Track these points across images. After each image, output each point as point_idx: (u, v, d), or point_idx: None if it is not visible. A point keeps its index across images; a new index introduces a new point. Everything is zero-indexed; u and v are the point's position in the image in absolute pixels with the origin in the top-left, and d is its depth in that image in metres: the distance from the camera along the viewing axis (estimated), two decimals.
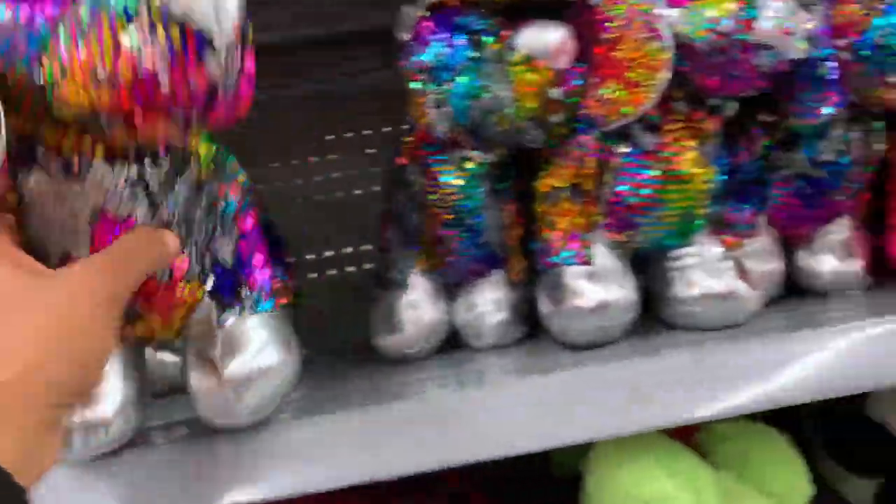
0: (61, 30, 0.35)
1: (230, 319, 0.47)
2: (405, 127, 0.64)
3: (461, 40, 0.58)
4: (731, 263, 0.58)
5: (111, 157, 0.40)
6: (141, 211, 0.42)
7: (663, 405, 0.50)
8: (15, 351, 0.32)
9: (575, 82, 0.54)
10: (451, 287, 0.68)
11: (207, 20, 0.34)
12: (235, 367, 0.46)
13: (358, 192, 0.89)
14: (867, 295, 0.64)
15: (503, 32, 0.57)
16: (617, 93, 0.52)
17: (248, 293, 0.48)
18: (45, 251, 0.41)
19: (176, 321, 0.46)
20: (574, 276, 0.57)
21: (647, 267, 0.62)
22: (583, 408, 0.50)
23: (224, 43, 0.35)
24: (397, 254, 0.66)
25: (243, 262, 0.48)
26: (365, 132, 0.90)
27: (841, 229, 0.64)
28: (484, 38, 0.58)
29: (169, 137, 0.39)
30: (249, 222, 0.48)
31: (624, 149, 0.55)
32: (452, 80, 0.58)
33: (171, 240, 0.41)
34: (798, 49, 0.49)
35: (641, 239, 0.58)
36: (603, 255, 0.57)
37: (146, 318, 0.45)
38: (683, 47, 0.52)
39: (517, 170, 0.63)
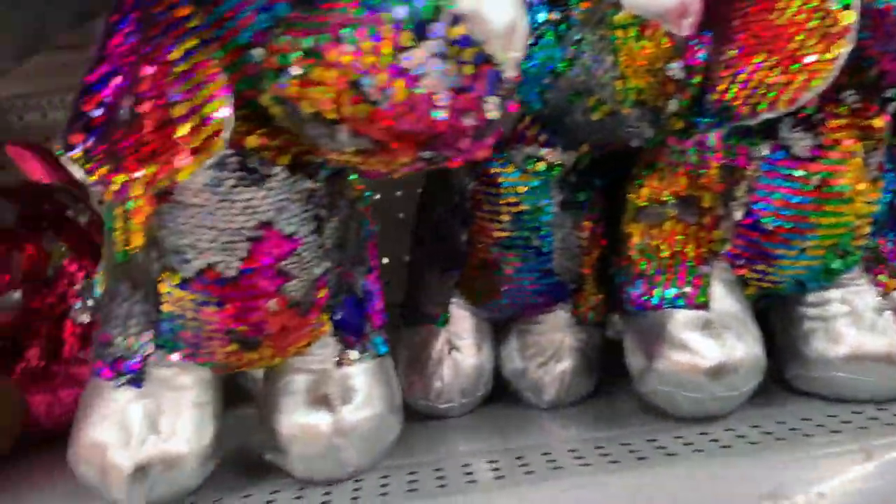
0: (308, 13, 0.29)
1: (352, 360, 0.40)
2: None
3: None
4: (891, 315, 0.42)
5: (293, 165, 0.34)
6: (306, 229, 0.36)
7: None
8: None
9: (699, 56, 0.39)
10: (498, 324, 0.52)
11: (504, 51, 0.29)
12: (350, 414, 0.39)
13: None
14: None
15: None
16: (772, 72, 0.36)
17: (372, 332, 0.42)
18: (181, 260, 0.35)
19: (289, 353, 0.39)
20: (683, 325, 0.41)
21: (772, 310, 0.46)
22: None
23: (511, 78, 0.30)
24: (433, 279, 0.51)
25: (370, 295, 0.42)
26: None
27: None
28: None
29: (398, 170, 0.31)
30: (375, 251, 0.42)
31: (765, 152, 0.40)
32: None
33: None
34: None
35: (776, 276, 0.42)
36: (723, 298, 0.42)
37: (259, 348, 0.38)
38: (865, 13, 0.36)
39: (600, 174, 0.48)
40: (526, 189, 0.45)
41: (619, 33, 0.39)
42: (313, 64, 0.29)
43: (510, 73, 0.29)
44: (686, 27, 0.38)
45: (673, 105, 0.40)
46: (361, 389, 0.40)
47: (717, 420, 0.42)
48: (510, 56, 0.29)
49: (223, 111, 0.30)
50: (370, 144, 0.30)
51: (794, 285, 0.43)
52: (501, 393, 0.52)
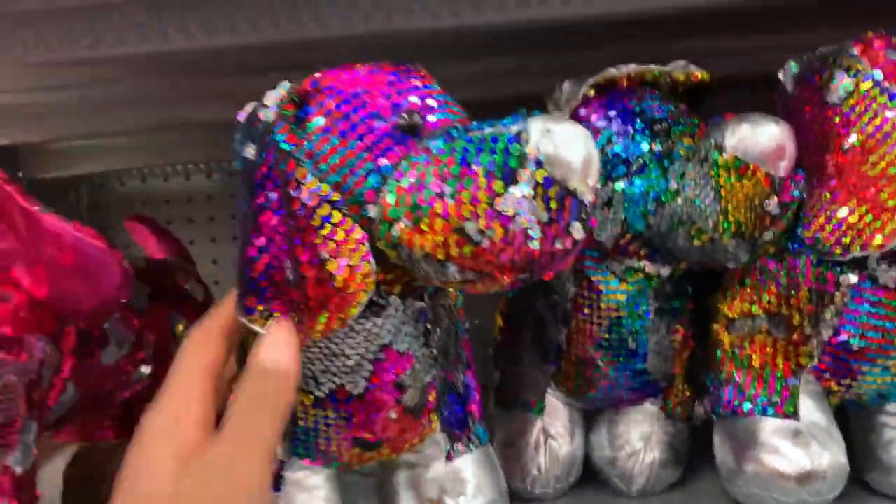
0: (408, 170, 0.34)
1: (460, 453, 0.44)
2: None
3: (640, 128, 0.48)
4: None
5: (404, 292, 0.39)
6: (417, 344, 0.40)
7: None
8: None
9: (793, 193, 0.43)
10: (589, 414, 0.56)
11: (582, 183, 0.33)
12: None
13: None
14: None
15: (702, 125, 0.47)
16: (863, 218, 0.40)
17: (474, 424, 0.46)
18: (314, 383, 0.40)
19: (403, 451, 0.44)
20: (774, 433, 0.45)
21: (852, 417, 0.50)
22: None
23: (590, 201, 0.34)
24: (531, 370, 0.55)
25: (469, 390, 0.46)
26: None
27: None
28: (672, 129, 0.48)
29: (494, 289, 0.35)
30: (469, 346, 0.46)
31: (853, 280, 0.44)
32: (627, 176, 0.47)
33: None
34: None
35: (859, 390, 0.46)
36: (810, 408, 0.46)
37: (379, 449, 0.43)
38: None
39: (692, 282, 0.52)
40: (625, 297, 0.50)
41: (723, 172, 0.43)
42: (421, 216, 0.33)
43: (588, 198, 0.33)
44: (782, 169, 0.43)
45: (768, 235, 0.44)
46: (471, 480, 0.44)
47: None
48: (587, 185, 0.33)
49: (367, 258, 0.35)
50: (475, 276, 0.34)
51: (876, 397, 0.47)
52: (589, 476, 0.56)
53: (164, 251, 0.73)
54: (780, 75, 0.46)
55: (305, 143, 0.37)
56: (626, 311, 0.50)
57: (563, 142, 0.33)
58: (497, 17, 0.53)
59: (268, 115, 0.37)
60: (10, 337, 0.45)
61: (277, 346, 0.35)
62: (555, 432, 0.54)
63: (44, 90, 0.68)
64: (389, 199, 0.34)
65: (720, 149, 0.43)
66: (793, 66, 0.45)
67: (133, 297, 0.58)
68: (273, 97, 0.37)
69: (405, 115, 0.36)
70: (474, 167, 0.33)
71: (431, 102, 0.37)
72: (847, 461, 0.45)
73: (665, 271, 0.49)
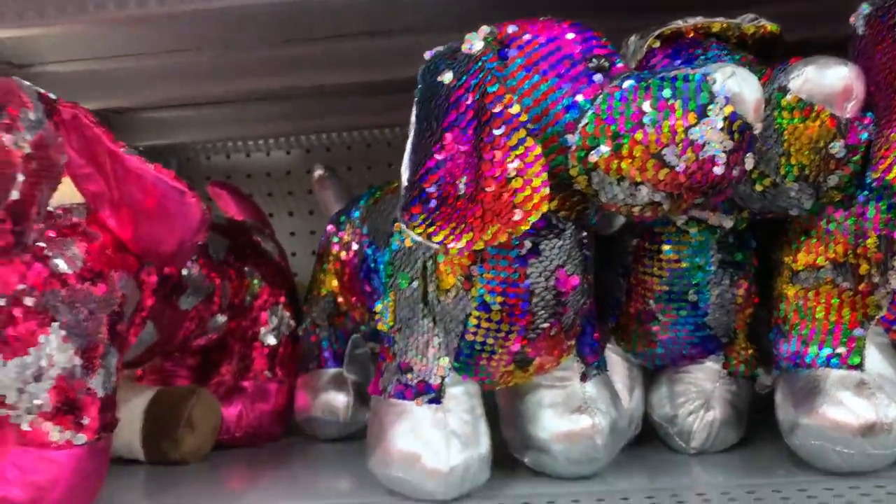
0: (605, 105, 0.39)
1: (591, 375, 0.48)
2: None
3: None
4: None
5: (577, 220, 0.43)
6: (580, 269, 0.44)
7: None
8: None
9: (860, 136, 0.42)
10: (648, 372, 0.56)
11: (756, 119, 0.37)
12: (600, 419, 0.47)
13: None
14: None
15: (768, 72, 0.46)
16: None
17: (600, 351, 0.49)
18: (493, 295, 0.43)
19: (543, 372, 0.47)
20: (836, 384, 0.44)
21: None
22: None
23: (757, 136, 0.39)
24: None
25: (594, 319, 0.49)
26: None
27: None
28: None
29: (672, 213, 0.42)
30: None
31: None
32: None
33: None
34: None
35: None
36: (876, 360, 0.44)
37: (529, 367, 0.46)
38: None
39: (756, 236, 0.51)
40: (687, 248, 0.49)
41: (785, 115, 0.43)
42: (622, 143, 0.38)
43: (757, 133, 0.38)
44: (849, 110, 0.42)
45: (833, 180, 0.43)
46: (601, 398, 0.48)
47: (865, 475, 0.44)
48: (759, 121, 0.38)
49: (546, 184, 0.39)
50: (663, 198, 0.38)
51: None
52: (648, 435, 0.56)
53: (244, 214, 0.77)
54: (852, 18, 0.45)
55: (508, 78, 0.41)
56: (687, 262, 0.50)
57: (745, 83, 0.37)
58: None
59: (475, 47, 0.41)
60: (96, 271, 0.48)
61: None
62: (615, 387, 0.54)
63: (133, 56, 0.72)
64: (589, 128, 0.39)
65: (783, 90, 0.43)
66: (864, 7, 0.44)
67: (212, 248, 0.62)
68: (479, 35, 0.42)
69: (594, 59, 0.40)
70: (671, 101, 0.37)
71: (610, 49, 0.41)
72: None
73: (727, 222, 0.49)
